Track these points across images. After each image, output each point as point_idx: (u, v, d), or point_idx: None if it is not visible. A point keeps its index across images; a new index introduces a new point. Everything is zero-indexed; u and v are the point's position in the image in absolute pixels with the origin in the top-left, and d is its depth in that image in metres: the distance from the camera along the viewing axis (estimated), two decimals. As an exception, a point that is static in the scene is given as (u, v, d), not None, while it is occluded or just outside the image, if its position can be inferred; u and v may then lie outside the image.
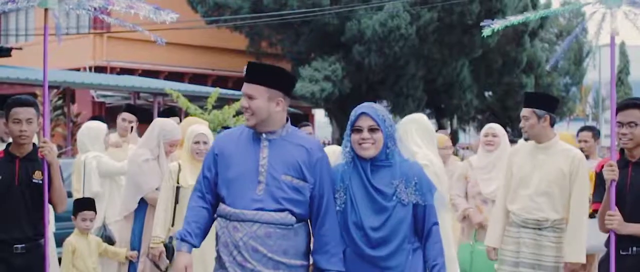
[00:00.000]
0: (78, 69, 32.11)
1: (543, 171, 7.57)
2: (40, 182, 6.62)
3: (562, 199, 7.51)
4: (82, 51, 32.82)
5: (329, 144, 34.25)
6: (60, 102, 30.28)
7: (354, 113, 5.54)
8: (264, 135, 5.41)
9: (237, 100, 22.65)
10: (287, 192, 5.31)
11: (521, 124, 7.76)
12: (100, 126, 10.30)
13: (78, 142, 10.25)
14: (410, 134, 8.01)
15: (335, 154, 8.63)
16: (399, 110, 33.48)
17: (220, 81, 31.92)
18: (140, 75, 31.64)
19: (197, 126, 8.47)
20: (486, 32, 6.44)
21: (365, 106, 5.57)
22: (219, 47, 33.35)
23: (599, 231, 6.44)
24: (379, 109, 5.56)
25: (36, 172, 6.64)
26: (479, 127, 39.50)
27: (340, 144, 19.90)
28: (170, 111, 11.01)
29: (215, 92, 21.47)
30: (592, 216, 7.42)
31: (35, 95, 29.12)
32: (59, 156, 20.26)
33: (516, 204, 7.69)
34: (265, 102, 5.37)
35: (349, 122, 5.59)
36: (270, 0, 30.18)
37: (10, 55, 26.95)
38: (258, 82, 5.38)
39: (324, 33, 31.32)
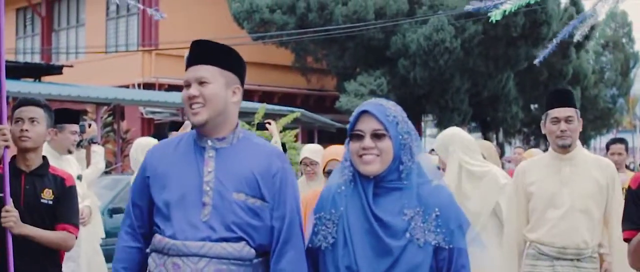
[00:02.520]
0: (127, 86, 32.47)
1: (575, 185, 6.30)
2: (50, 202, 5.59)
3: (599, 216, 6.30)
4: (131, 68, 33.19)
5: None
6: (110, 119, 30.66)
7: (354, 113, 4.09)
8: (209, 142, 4.21)
9: (284, 115, 22.90)
10: (240, 215, 4.07)
11: (562, 128, 6.30)
12: (153, 142, 10.54)
13: (133, 160, 10.45)
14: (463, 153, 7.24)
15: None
16: (445, 124, 33.48)
17: (266, 97, 32.14)
18: (188, 91, 31.80)
19: None
20: (495, 16, 5.60)
21: (370, 103, 4.09)
22: (265, 63, 33.56)
23: None
24: (390, 107, 4.05)
25: (45, 190, 5.60)
26: (525, 140, 39.49)
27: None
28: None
29: (262, 108, 21.73)
30: None
31: (85, 112, 29.56)
32: (109, 172, 20.58)
33: (543, 230, 6.34)
34: (223, 88, 4.21)
35: (348, 126, 4.14)
36: (316, 16, 30.40)
37: (61, 73, 27.39)
38: (211, 61, 4.22)
39: (369, 47, 31.48)
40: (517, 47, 31.38)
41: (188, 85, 4.20)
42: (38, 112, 5.69)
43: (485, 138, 36.29)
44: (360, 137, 3.98)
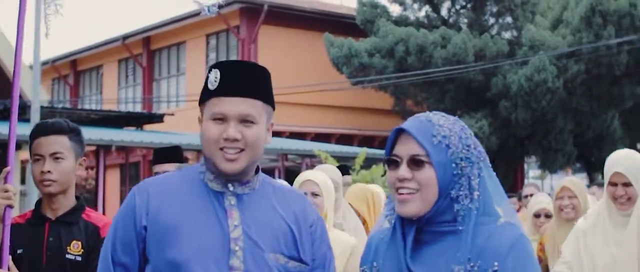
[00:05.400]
0: (228, 133, 32.67)
1: None
2: (78, 258, 4.21)
3: None
4: (231, 115, 33.40)
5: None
6: (211, 165, 30.85)
7: (392, 132, 3.05)
8: (230, 186, 3.21)
9: (384, 159, 22.75)
10: None
11: None
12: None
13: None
14: None
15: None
16: (549, 165, 33.00)
17: (366, 141, 32.01)
18: (287, 137, 32.00)
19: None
20: None
21: (412, 119, 3.02)
22: (365, 108, 33.49)
23: None
24: (442, 123, 2.97)
25: (73, 242, 4.22)
26: (632, 180, 38.54)
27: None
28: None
29: (362, 152, 21.64)
30: None
31: (186, 159, 29.80)
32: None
33: None
34: (264, 128, 3.26)
35: (385, 149, 3.11)
36: (415, 59, 30.25)
37: (162, 121, 27.72)
38: (256, 93, 3.20)
39: (469, 89, 31.24)
40: (621, 86, 30.78)
41: (221, 120, 3.18)
42: (62, 143, 4.28)
43: (591, 179, 35.65)
44: (397, 164, 2.92)
